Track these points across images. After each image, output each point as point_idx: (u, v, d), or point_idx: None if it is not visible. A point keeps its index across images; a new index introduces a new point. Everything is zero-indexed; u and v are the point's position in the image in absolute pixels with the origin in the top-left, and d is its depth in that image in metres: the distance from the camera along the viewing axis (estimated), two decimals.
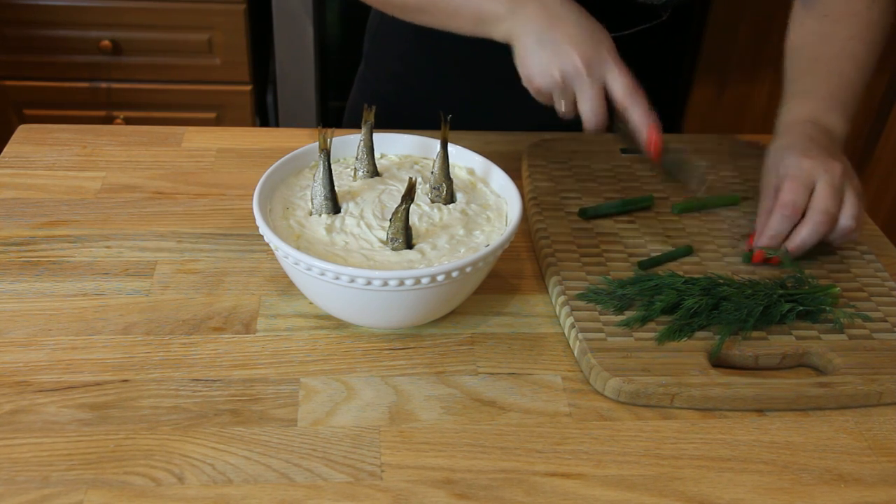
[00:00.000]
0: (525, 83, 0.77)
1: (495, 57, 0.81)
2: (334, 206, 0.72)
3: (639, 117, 0.75)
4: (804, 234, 0.76)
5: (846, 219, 0.76)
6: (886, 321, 0.73)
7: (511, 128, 1.00)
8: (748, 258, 0.79)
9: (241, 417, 0.63)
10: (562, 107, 0.77)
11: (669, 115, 1.14)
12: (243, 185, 0.89)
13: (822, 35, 0.86)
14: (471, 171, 0.79)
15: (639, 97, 0.75)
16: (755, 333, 0.71)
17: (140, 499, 0.57)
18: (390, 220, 0.68)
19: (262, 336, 0.71)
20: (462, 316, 0.74)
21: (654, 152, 0.75)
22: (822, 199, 0.75)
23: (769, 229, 0.77)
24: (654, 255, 0.80)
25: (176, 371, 0.67)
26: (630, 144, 0.79)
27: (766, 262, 0.79)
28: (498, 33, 0.78)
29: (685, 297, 0.71)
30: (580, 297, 0.73)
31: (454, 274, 0.64)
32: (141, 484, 0.58)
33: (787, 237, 0.77)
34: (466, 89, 0.79)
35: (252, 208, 0.68)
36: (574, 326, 0.70)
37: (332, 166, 0.74)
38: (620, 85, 0.74)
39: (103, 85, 1.87)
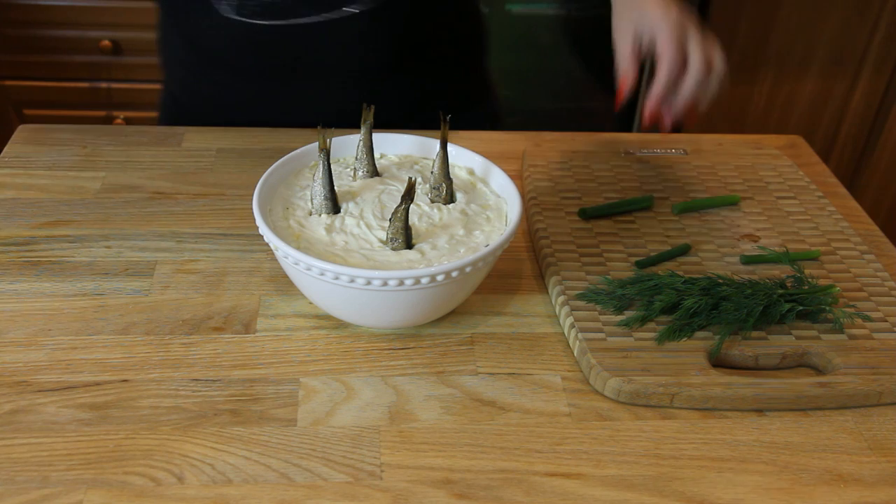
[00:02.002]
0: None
1: (263, 54, 0.79)
2: (334, 206, 0.72)
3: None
4: (688, 87, 0.76)
5: (715, 74, 0.76)
6: (886, 321, 0.73)
7: (288, 124, 0.99)
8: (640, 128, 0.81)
9: (241, 417, 0.63)
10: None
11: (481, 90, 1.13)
12: (243, 185, 0.89)
13: None
14: (471, 171, 0.79)
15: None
16: (755, 333, 0.71)
17: (140, 499, 0.57)
18: (390, 220, 0.68)
19: (262, 336, 0.71)
20: (462, 316, 0.74)
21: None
22: (696, 51, 0.76)
23: (654, 90, 0.77)
24: (653, 255, 0.80)
25: (176, 371, 0.67)
26: None
27: (624, 108, 0.81)
28: None
29: (685, 297, 0.71)
30: (580, 297, 0.73)
31: (454, 274, 0.64)
32: (141, 484, 0.58)
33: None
34: (244, 88, 0.79)
35: (252, 208, 0.68)
36: (574, 326, 0.70)
37: (332, 166, 0.74)
38: None
39: (103, 85, 1.87)
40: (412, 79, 0.78)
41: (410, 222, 0.69)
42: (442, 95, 0.89)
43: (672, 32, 0.77)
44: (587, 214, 0.84)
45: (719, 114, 1.95)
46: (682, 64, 0.77)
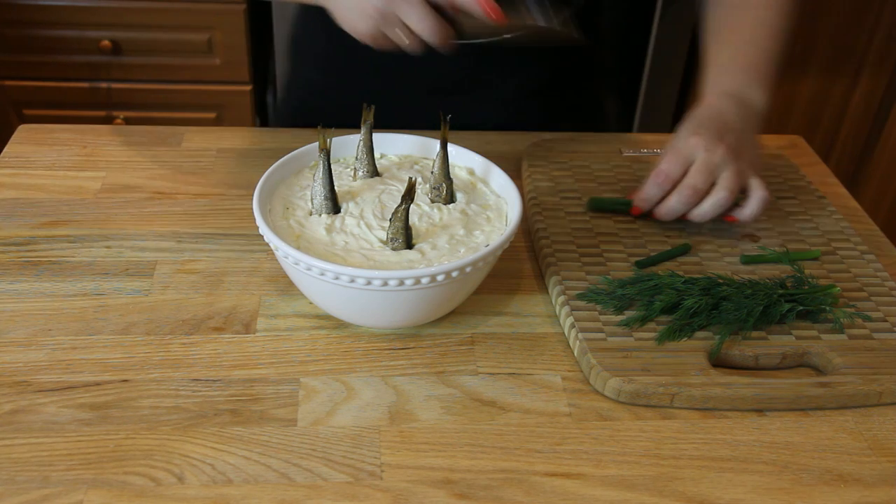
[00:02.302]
0: (358, 37, 0.76)
1: (409, 60, 0.80)
2: (334, 206, 0.72)
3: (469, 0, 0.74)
4: (671, 203, 0.80)
5: (713, 197, 0.79)
6: (886, 321, 0.73)
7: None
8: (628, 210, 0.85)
9: (241, 417, 0.63)
10: (399, 38, 0.75)
11: (594, 111, 1.14)
12: (243, 185, 0.89)
13: (736, 6, 0.89)
14: (471, 171, 0.79)
15: None
16: (755, 333, 0.71)
17: (140, 499, 0.57)
18: (390, 220, 0.68)
19: (262, 336, 0.71)
20: (462, 316, 0.74)
21: (498, 17, 0.74)
22: (692, 175, 0.79)
23: (643, 192, 0.82)
24: (653, 255, 0.80)
25: (176, 371, 0.67)
26: (472, 35, 0.78)
27: (644, 217, 0.84)
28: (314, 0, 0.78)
29: (685, 297, 0.71)
30: (580, 297, 0.73)
31: (454, 274, 0.64)
32: (141, 484, 0.58)
33: (660, 201, 0.82)
34: (387, 93, 0.79)
35: (252, 208, 0.68)
36: (574, 326, 0.70)
37: (332, 166, 0.74)
38: None
39: (103, 85, 1.87)
40: (554, 99, 0.81)
41: (410, 222, 0.69)
42: (568, 116, 0.90)
43: (679, 150, 0.80)
44: (594, 205, 0.86)
45: None
46: (671, 180, 0.80)
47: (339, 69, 1.03)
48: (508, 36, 0.79)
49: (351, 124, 0.81)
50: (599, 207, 0.86)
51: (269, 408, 0.64)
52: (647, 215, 0.83)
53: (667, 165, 0.80)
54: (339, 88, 1.03)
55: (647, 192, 0.81)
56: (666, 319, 0.71)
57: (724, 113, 0.83)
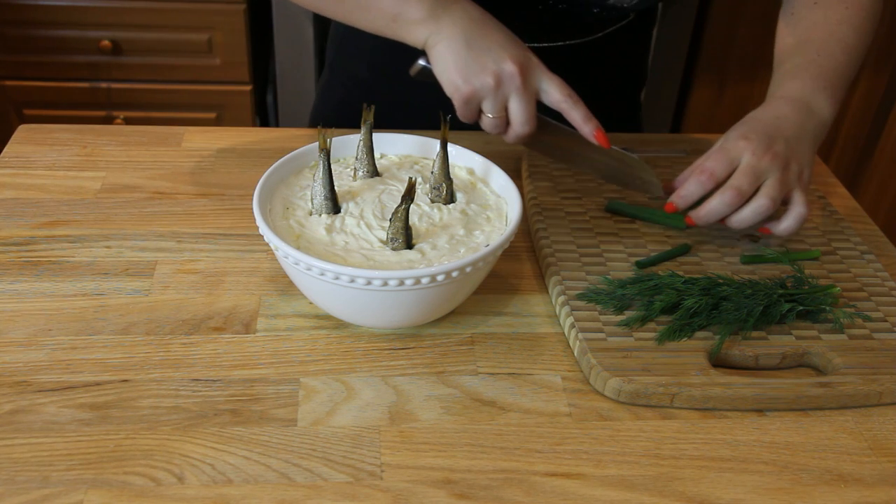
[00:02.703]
0: (450, 90, 0.76)
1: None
2: (334, 206, 0.72)
3: (581, 117, 0.75)
4: (713, 204, 0.77)
5: (753, 203, 0.77)
6: (886, 321, 0.73)
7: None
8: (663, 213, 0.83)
9: (241, 417, 0.63)
10: (490, 113, 0.76)
11: (633, 116, 1.14)
12: (243, 185, 0.89)
13: (812, 20, 0.87)
14: (471, 171, 0.79)
15: (577, 99, 0.75)
16: (755, 333, 0.71)
17: (140, 499, 0.57)
18: (390, 220, 0.68)
19: (262, 336, 0.71)
20: (462, 316, 0.74)
21: (603, 142, 0.76)
22: (737, 177, 0.76)
23: (683, 189, 0.78)
24: (653, 255, 0.80)
25: (176, 371, 0.67)
26: (548, 152, 0.82)
27: (677, 216, 0.82)
28: (414, 36, 0.76)
29: (685, 297, 0.71)
30: (580, 297, 0.73)
31: (454, 274, 0.64)
32: (141, 484, 0.58)
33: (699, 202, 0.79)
34: (434, 93, 0.79)
35: (252, 208, 0.68)
36: (574, 326, 0.70)
37: (332, 166, 0.74)
38: (556, 87, 0.75)
39: (103, 85, 1.87)
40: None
41: (410, 222, 0.69)
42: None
43: (727, 150, 0.77)
44: (612, 207, 0.85)
45: (719, 114, 1.95)
46: (715, 179, 0.77)
47: (383, 65, 1.02)
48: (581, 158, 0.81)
49: (390, 123, 0.81)
50: (618, 211, 0.85)
51: (269, 408, 0.64)
52: (682, 217, 0.80)
53: (712, 164, 0.77)
54: (383, 85, 1.03)
55: (688, 190, 0.78)
56: (666, 319, 0.71)
57: (780, 118, 0.80)
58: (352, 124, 0.83)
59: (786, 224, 0.78)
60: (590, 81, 0.76)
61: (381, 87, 1.04)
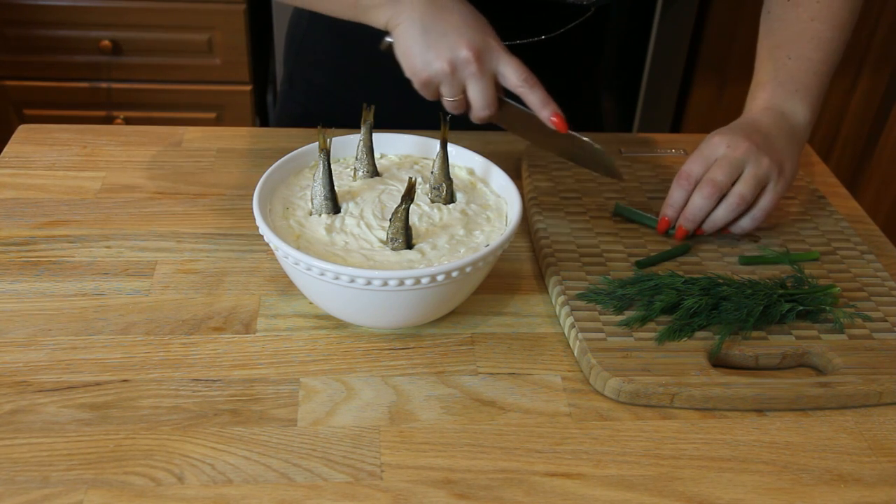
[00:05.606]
0: (409, 73, 0.76)
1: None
2: (334, 206, 0.72)
3: (538, 101, 0.75)
4: (693, 201, 0.78)
5: (725, 201, 0.78)
6: (886, 321, 0.73)
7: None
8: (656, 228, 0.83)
9: (241, 417, 0.63)
10: (448, 97, 0.76)
11: (594, 113, 1.14)
12: (243, 185, 0.89)
13: (786, 19, 0.86)
14: (471, 171, 0.79)
15: (534, 82, 0.75)
16: (755, 333, 0.71)
17: (140, 499, 0.57)
18: (390, 220, 0.68)
19: (262, 336, 0.71)
20: (462, 316, 0.74)
21: (561, 127, 0.76)
22: (713, 170, 0.77)
23: (669, 198, 0.80)
24: (653, 255, 0.80)
25: (176, 371, 0.67)
26: (516, 130, 0.80)
27: (668, 234, 0.82)
28: (376, 19, 0.76)
29: (685, 297, 0.71)
30: (580, 297, 0.73)
31: (454, 274, 0.64)
32: (141, 484, 0.58)
33: (684, 207, 0.80)
34: (396, 93, 0.79)
35: (252, 208, 0.68)
36: (574, 326, 0.70)
37: (332, 166, 0.74)
38: (513, 71, 0.75)
39: (103, 85, 1.87)
40: (554, 99, 0.80)
41: (410, 222, 0.69)
42: (568, 116, 0.91)
43: (706, 141, 0.78)
44: (619, 210, 0.85)
45: (719, 114, 1.95)
46: (693, 180, 0.78)
47: (342, 70, 1.02)
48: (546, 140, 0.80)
49: (353, 125, 0.81)
50: (624, 216, 0.85)
51: (269, 408, 0.64)
52: (672, 231, 0.81)
53: (689, 166, 0.79)
54: (343, 90, 1.03)
55: (672, 197, 0.80)
56: (666, 319, 0.71)
57: (755, 122, 0.81)
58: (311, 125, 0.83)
59: (742, 223, 0.79)
60: (545, 82, 0.76)
61: (341, 93, 1.03)
